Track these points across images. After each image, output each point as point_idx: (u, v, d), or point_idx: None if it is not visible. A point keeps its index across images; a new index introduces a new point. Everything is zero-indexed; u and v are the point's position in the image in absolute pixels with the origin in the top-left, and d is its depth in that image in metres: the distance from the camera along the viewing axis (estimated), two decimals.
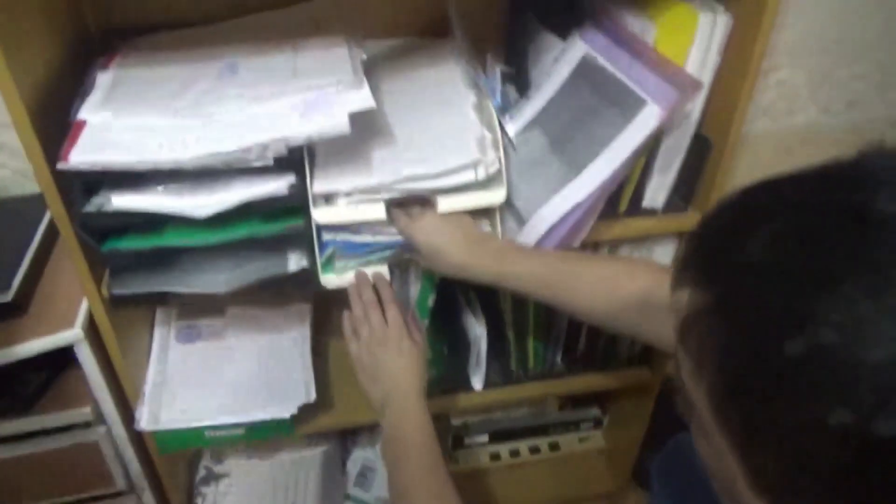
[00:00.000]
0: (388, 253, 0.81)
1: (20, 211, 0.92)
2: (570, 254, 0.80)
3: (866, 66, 1.24)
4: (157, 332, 0.97)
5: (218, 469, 1.13)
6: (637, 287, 0.69)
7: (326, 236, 0.75)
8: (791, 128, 1.28)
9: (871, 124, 1.32)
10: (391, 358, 0.77)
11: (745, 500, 0.35)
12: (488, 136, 0.79)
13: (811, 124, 1.28)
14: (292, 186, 0.72)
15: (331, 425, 1.00)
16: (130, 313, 0.87)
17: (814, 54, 1.20)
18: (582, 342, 1.08)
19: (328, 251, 0.76)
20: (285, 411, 0.89)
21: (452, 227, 0.76)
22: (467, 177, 0.76)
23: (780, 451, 0.32)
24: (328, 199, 0.76)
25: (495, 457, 1.30)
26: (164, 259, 0.76)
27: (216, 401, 0.90)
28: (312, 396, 0.91)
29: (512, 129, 0.89)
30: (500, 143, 0.80)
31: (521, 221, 0.82)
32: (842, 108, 1.28)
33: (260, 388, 0.92)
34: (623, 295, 0.70)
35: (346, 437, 1.31)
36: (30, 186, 0.99)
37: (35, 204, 0.93)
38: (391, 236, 0.79)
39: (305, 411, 0.98)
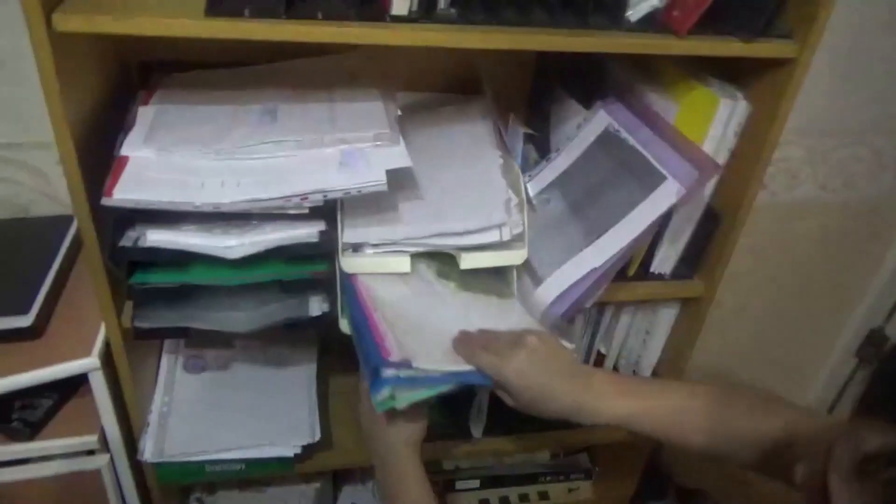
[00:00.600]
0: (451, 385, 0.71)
1: (40, 232, 0.92)
2: (683, 386, 0.75)
3: (862, 149, 1.30)
4: (165, 361, 0.97)
5: (209, 501, 1.12)
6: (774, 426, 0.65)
7: (387, 373, 0.65)
8: (789, 201, 1.33)
9: (864, 204, 1.38)
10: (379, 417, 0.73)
11: None
12: (514, 198, 0.82)
13: (808, 199, 1.33)
14: (322, 233, 0.74)
15: (331, 464, 1.01)
16: (143, 344, 0.87)
17: (814, 135, 1.25)
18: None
19: (386, 389, 0.65)
20: (289, 450, 0.89)
21: (551, 365, 0.70)
22: (492, 237, 0.78)
23: None
24: (356, 248, 0.78)
25: (485, 503, 1.31)
26: (187, 295, 0.77)
27: (220, 435, 0.90)
28: (318, 436, 0.91)
29: (532, 189, 0.92)
30: (524, 205, 0.83)
31: (537, 280, 0.84)
32: (838, 186, 1.33)
33: (264, 424, 0.92)
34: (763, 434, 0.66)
35: (339, 475, 1.31)
36: (50, 207, 1.00)
37: (56, 225, 0.94)
38: (457, 365, 0.71)
39: (307, 449, 0.99)
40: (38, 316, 0.79)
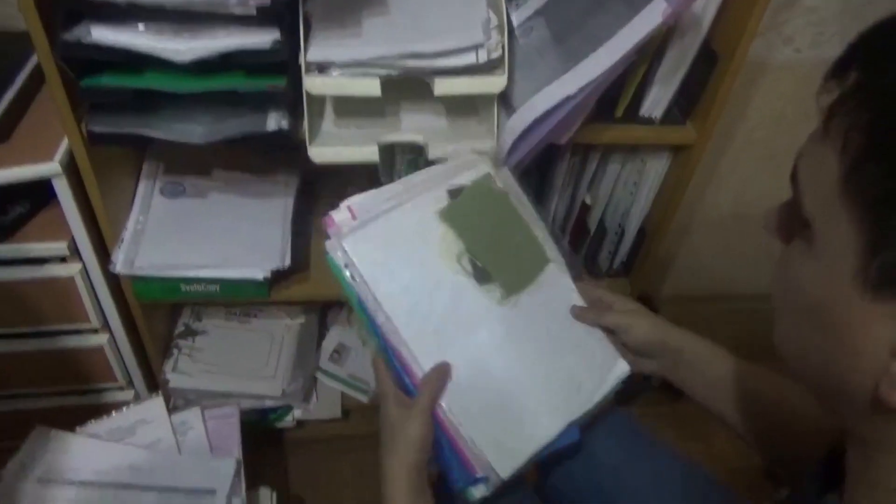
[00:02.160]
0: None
1: (7, 49, 0.90)
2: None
3: None
4: (142, 184, 0.97)
5: (196, 326, 1.17)
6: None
7: (479, 488, 0.63)
8: (815, 59, 1.23)
9: None
10: (394, 440, 0.62)
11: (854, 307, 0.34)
12: (494, 19, 0.76)
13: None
14: (276, 42, 0.71)
15: (304, 295, 1.02)
16: (113, 159, 0.87)
17: None
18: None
19: (477, 492, 0.63)
20: (259, 272, 0.90)
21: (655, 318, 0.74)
22: (468, 59, 0.74)
23: None
24: (321, 68, 0.74)
25: None
26: (145, 105, 0.75)
27: (193, 255, 0.91)
28: (287, 262, 0.92)
29: (516, 18, 0.85)
30: (505, 28, 0.78)
31: (511, 112, 0.80)
32: None
33: (237, 248, 0.93)
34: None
35: (325, 315, 1.34)
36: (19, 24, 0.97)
37: (24, 42, 0.91)
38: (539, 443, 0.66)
39: (281, 278, 1.00)
40: (0, 120, 0.79)
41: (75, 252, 0.86)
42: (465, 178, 0.73)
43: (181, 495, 0.87)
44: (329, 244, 0.66)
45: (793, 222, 0.39)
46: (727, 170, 1.33)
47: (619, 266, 1.12)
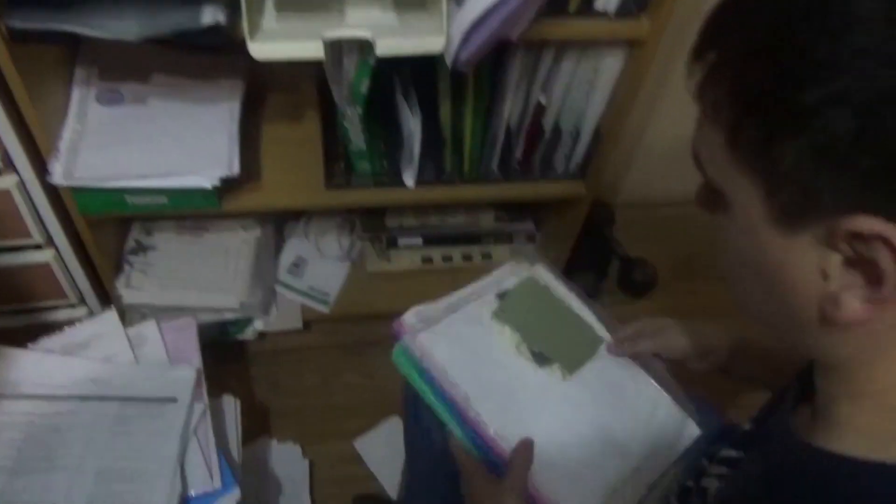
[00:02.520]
0: None
1: None
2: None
3: None
4: (76, 92, 0.92)
5: (147, 241, 1.14)
6: None
7: None
8: None
9: None
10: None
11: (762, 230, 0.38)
12: None
13: None
14: None
15: (257, 205, 1.00)
16: (43, 62, 0.82)
17: None
18: (518, 150, 1.08)
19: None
20: (206, 181, 0.88)
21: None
22: None
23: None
24: None
25: (428, 260, 1.34)
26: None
27: (135, 165, 0.88)
28: (236, 169, 0.90)
29: None
30: None
31: (462, 3, 0.77)
32: None
33: (182, 157, 0.90)
34: None
35: (282, 228, 1.33)
36: None
37: None
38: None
39: (231, 188, 0.98)
40: None
41: (10, 164, 0.82)
42: (509, 283, 0.80)
43: (142, 405, 0.87)
44: (405, 341, 0.71)
45: (710, 196, 0.43)
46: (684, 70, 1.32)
47: (575, 169, 1.12)
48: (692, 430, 0.74)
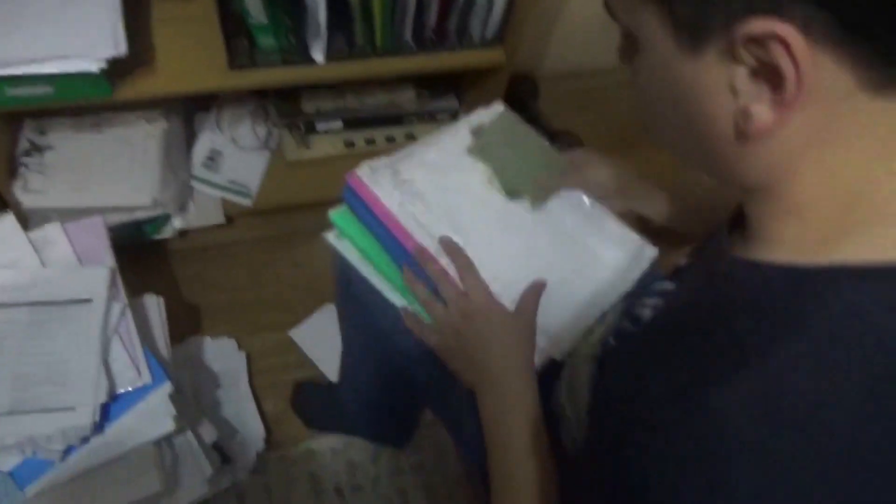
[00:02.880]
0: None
1: None
2: None
3: None
4: None
5: (41, 141, 1.06)
6: None
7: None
8: None
9: None
10: (483, 333, 0.63)
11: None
12: None
13: None
14: None
15: (154, 91, 0.93)
16: None
17: None
18: (432, 18, 1.02)
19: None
20: (92, 64, 0.80)
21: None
22: None
23: None
24: None
25: (350, 144, 1.29)
26: None
27: (11, 51, 0.79)
28: (123, 49, 0.82)
29: None
30: None
31: None
32: None
33: (62, 38, 0.81)
34: None
35: (192, 119, 1.25)
36: None
37: None
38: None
39: (123, 72, 0.90)
40: None
41: None
42: (483, 119, 0.77)
43: (55, 308, 0.84)
44: (353, 192, 0.68)
45: (626, 45, 0.43)
46: None
47: (493, 35, 1.08)
48: (650, 253, 0.74)
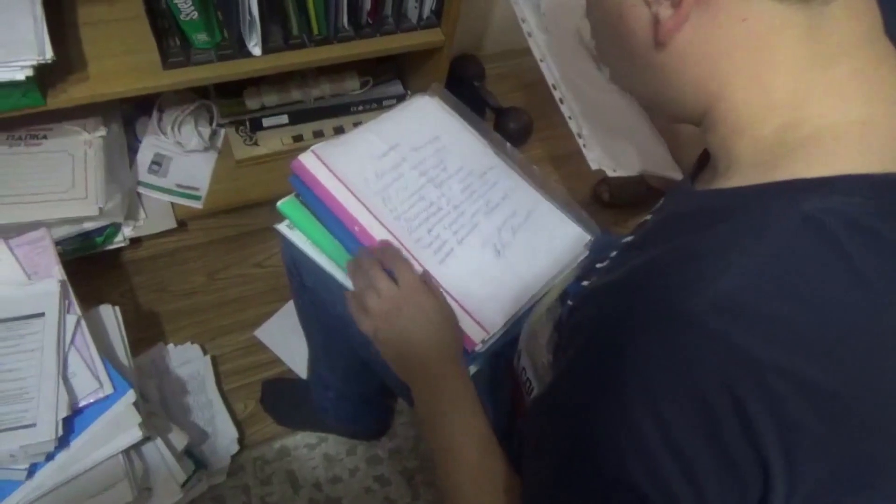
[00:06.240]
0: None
1: None
2: None
3: None
4: None
5: None
6: None
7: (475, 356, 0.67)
8: None
9: None
10: (412, 321, 0.61)
11: None
12: None
13: None
14: None
15: (89, 96, 0.91)
16: None
17: None
18: (367, 2, 1.02)
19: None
20: (18, 71, 0.78)
21: None
22: None
23: None
24: None
25: (298, 138, 1.28)
26: None
27: None
28: (48, 54, 0.80)
29: None
30: None
31: None
32: None
33: None
34: None
35: (133, 125, 1.23)
36: None
37: None
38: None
39: (54, 79, 0.88)
40: None
41: None
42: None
43: (6, 326, 0.81)
44: (305, 160, 0.69)
45: None
46: None
47: (430, 16, 1.08)
48: (581, 238, 0.74)
